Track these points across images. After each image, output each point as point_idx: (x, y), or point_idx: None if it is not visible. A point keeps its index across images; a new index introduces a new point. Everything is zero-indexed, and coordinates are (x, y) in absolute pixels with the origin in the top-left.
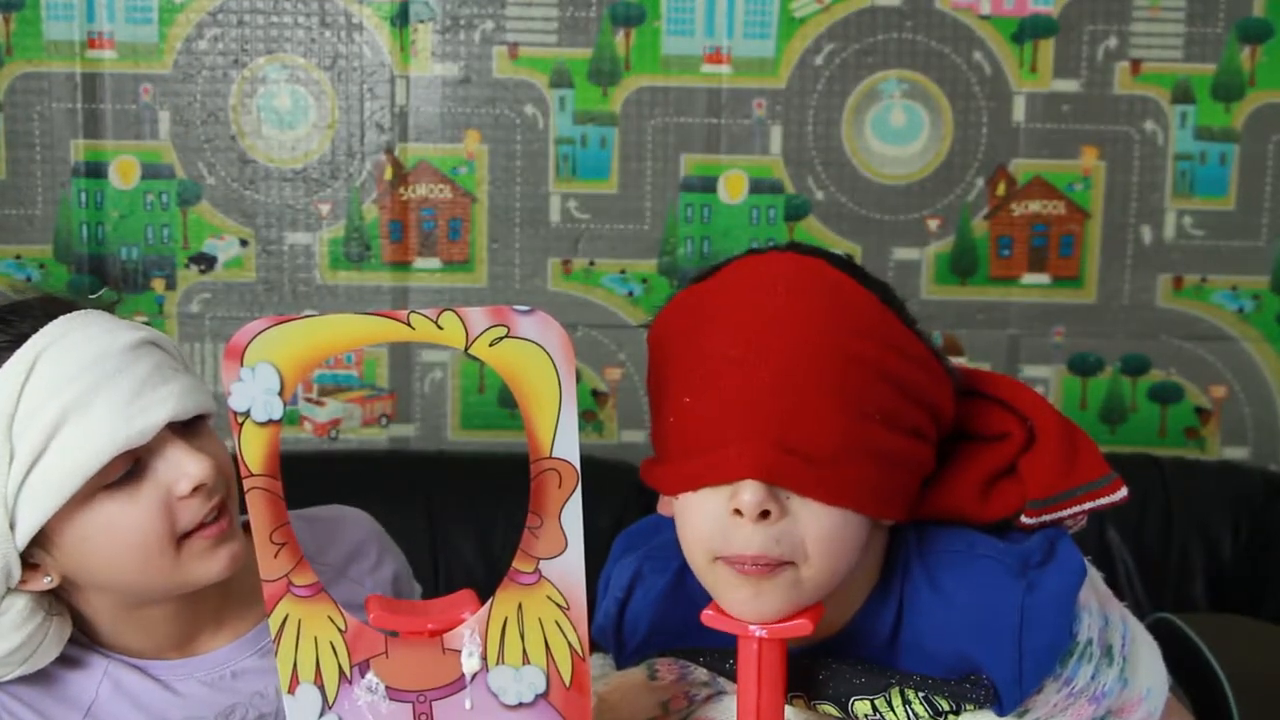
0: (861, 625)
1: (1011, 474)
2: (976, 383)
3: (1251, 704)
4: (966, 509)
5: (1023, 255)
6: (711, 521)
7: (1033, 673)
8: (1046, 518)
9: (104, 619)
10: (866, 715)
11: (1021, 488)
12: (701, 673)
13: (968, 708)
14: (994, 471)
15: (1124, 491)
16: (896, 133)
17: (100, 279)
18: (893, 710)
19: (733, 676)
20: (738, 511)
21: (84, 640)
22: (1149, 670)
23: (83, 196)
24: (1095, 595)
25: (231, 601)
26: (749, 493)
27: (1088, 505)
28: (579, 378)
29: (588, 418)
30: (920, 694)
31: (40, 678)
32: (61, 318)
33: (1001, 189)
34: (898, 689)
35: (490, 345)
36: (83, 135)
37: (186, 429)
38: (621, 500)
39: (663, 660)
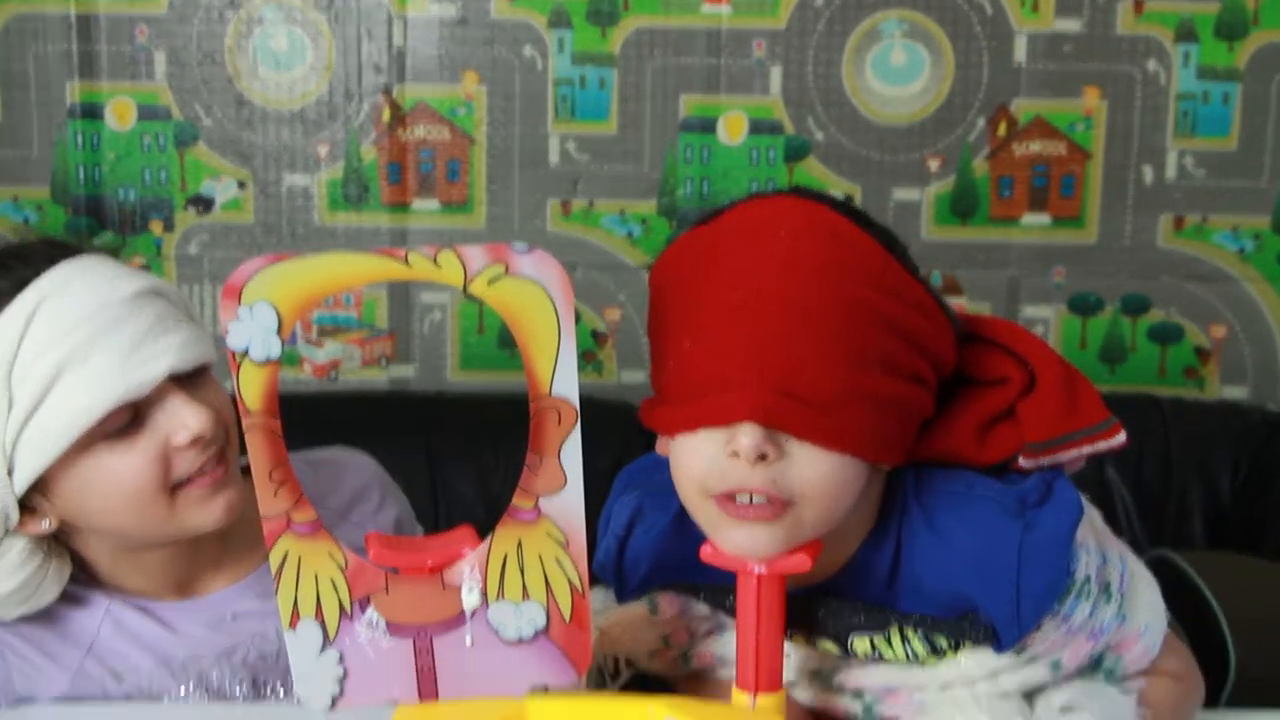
0: (860, 565)
1: (1010, 417)
2: (977, 328)
3: (1248, 640)
4: (964, 451)
5: (1023, 196)
6: (707, 461)
7: (1031, 611)
8: (1044, 460)
9: (103, 561)
10: (866, 653)
11: (1019, 431)
12: (702, 608)
13: (966, 645)
14: (992, 415)
15: (1123, 436)
16: (897, 73)
17: (98, 221)
18: (892, 648)
19: (732, 612)
20: (736, 453)
21: (85, 580)
22: (1147, 606)
23: (79, 138)
24: (1093, 533)
25: (232, 545)
26: (747, 435)
27: (1086, 449)
28: (578, 319)
29: (587, 359)
30: (919, 632)
31: (43, 616)
32: (63, 264)
33: (1002, 129)
34: (897, 627)
35: (489, 284)
36: (78, 77)
37: (187, 379)
38: (621, 441)
39: (664, 595)
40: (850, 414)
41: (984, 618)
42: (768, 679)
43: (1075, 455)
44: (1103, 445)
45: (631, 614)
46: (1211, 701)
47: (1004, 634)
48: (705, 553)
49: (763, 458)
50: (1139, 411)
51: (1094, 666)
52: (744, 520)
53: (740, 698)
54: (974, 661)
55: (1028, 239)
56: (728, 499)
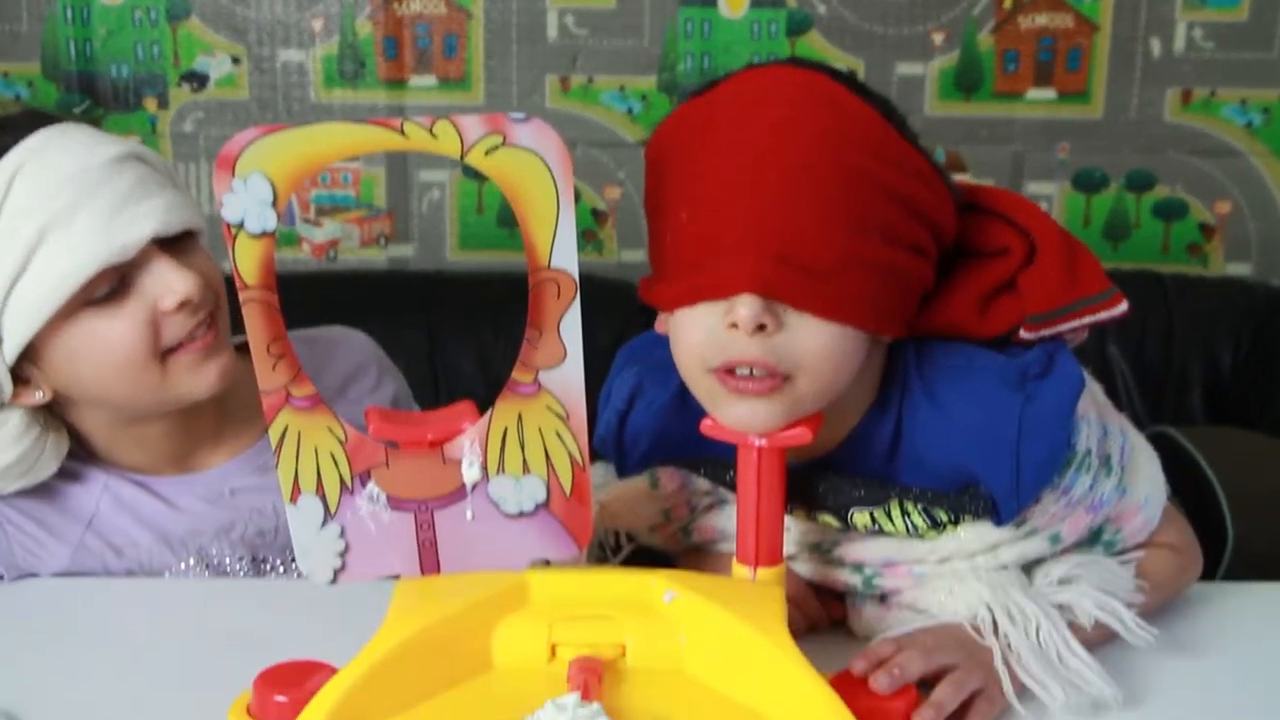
0: (860, 439)
1: (1011, 289)
2: (978, 198)
3: (1246, 515)
4: (966, 324)
5: (1029, 70)
6: (705, 334)
7: (1031, 483)
8: (1045, 332)
9: (100, 434)
10: (866, 526)
11: (1020, 303)
12: (703, 482)
13: (965, 519)
14: (993, 286)
15: (1124, 305)
16: None
17: (91, 98)
18: (891, 521)
19: (733, 486)
20: (734, 325)
21: (83, 456)
22: (1147, 479)
23: (68, 12)
24: (1094, 406)
25: (229, 419)
26: (746, 306)
27: (1087, 319)
28: (578, 197)
29: (587, 237)
30: (919, 505)
31: (42, 491)
32: (40, 131)
33: (1008, 1)
34: (897, 501)
35: (486, 154)
36: None
37: (174, 245)
38: (622, 319)
39: (664, 470)
40: (849, 283)
41: (984, 491)
42: (768, 552)
43: (1076, 325)
44: (1104, 315)
45: (632, 488)
46: (1208, 574)
47: (1003, 506)
48: (706, 426)
49: (761, 328)
50: (1141, 288)
51: (1093, 539)
52: (743, 394)
53: (741, 571)
54: (973, 534)
55: (1032, 114)
56: (727, 373)
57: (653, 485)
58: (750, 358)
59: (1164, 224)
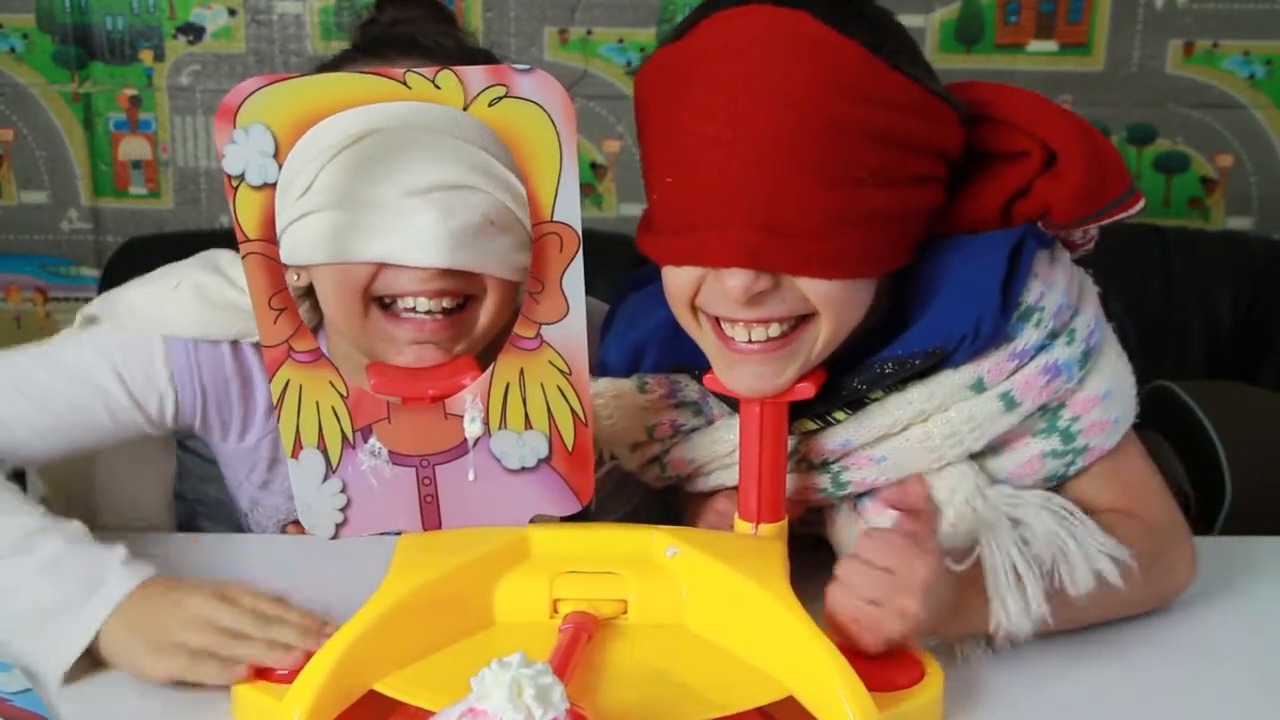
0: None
1: (1035, 195)
2: (990, 110)
3: (1244, 468)
4: (989, 226)
5: (1030, 21)
6: (693, 287)
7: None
8: (1062, 234)
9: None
10: (844, 416)
11: (1041, 205)
12: (692, 391)
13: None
14: (1015, 190)
15: (1142, 203)
16: None
17: (86, 50)
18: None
19: (720, 397)
20: (724, 293)
21: None
22: (1114, 377)
23: None
24: (1070, 281)
25: None
26: (735, 279)
27: (1106, 222)
28: None
29: (586, 191)
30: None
31: None
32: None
33: None
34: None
35: (489, 105)
36: None
37: None
38: (622, 273)
39: (652, 375)
40: (844, 240)
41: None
42: (770, 508)
43: (1097, 224)
44: (1121, 216)
45: (619, 389)
46: (1207, 528)
47: (960, 350)
48: (709, 380)
49: (758, 294)
50: (1142, 242)
51: (1050, 424)
52: (747, 356)
53: (743, 526)
54: (923, 393)
55: (1034, 67)
56: (725, 334)
57: (640, 388)
58: (747, 317)
59: (1165, 177)
